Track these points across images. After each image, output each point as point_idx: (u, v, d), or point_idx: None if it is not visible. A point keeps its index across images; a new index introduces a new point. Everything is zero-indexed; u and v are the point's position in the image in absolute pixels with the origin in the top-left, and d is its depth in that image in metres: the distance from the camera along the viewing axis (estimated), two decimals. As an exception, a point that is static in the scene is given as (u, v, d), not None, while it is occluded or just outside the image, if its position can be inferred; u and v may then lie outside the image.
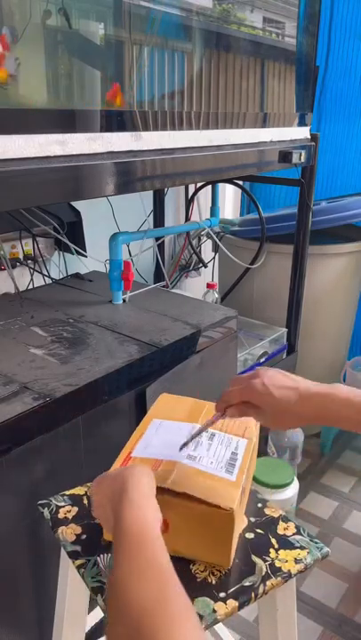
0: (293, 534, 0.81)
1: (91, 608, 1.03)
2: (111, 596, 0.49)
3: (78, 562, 0.76)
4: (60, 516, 0.85)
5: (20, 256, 1.58)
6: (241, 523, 0.81)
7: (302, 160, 1.55)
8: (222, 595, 0.71)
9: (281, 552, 0.78)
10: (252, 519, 0.84)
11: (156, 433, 0.86)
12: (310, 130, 1.68)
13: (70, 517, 0.84)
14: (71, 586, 0.88)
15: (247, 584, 0.73)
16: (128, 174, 1.03)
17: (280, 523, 0.83)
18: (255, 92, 1.40)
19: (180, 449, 0.80)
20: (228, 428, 0.88)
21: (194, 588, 0.72)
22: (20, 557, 1.02)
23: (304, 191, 1.69)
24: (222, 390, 0.76)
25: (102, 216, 1.71)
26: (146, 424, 0.88)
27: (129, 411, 1.15)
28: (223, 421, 0.87)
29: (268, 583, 0.73)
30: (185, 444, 0.80)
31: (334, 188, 2.21)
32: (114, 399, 1.10)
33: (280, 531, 0.82)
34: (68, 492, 0.90)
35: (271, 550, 0.78)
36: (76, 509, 0.86)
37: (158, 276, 2.08)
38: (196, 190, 2.00)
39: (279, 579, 0.74)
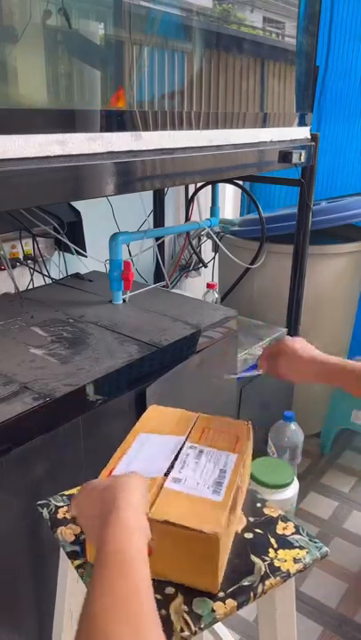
0: (292, 534, 0.81)
1: (90, 608, 1.03)
2: (88, 626, 0.46)
3: (77, 562, 0.76)
4: (60, 516, 0.85)
5: (20, 256, 1.58)
6: (228, 545, 0.78)
7: (302, 160, 1.55)
8: (221, 594, 0.71)
9: (280, 552, 0.78)
10: (251, 519, 0.84)
11: (140, 448, 0.84)
12: (310, 130, 1.68)
13: (69, 517, 0.84)
14: (71, 586, 0.88)
15: (246, 584, 0.73)
16: (128, 174, 1.03)
17: (279, 522, 0.83)
18: (255, 92, 1.40)
19: None
20: (218, 442, 0.86)
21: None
22: (20, 557, 1.02)
23: (304, 191, 1.69)
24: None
25: (102, 216, 1.71)
26: (132, 438, 0.86)
27: (129, 411, 1.15)
28: (211, 436, 0.87)
29: (267, 583, 0.73)
30: None
31: (334, 188, 2.21)
32: (114, 399, 1.10)
33: (279, 530, 0.82)
34: (67, 493, 0.90)
35: (270, 550, 0.78)
36: (75, 509, 0.85)
37: (158, 276, 2.08)
38: (196, 190, 2.00)
39: (278, 578, 0.74)
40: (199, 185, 1.99)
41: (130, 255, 1.63)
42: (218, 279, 2.19)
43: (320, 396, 2.17)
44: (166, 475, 0.78)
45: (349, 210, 1.89)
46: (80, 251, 1.62)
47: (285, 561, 0.76)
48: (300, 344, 1.00)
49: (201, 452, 0.84)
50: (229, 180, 1.81)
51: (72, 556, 0.78)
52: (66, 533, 0.81)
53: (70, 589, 0.88)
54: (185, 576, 0.73)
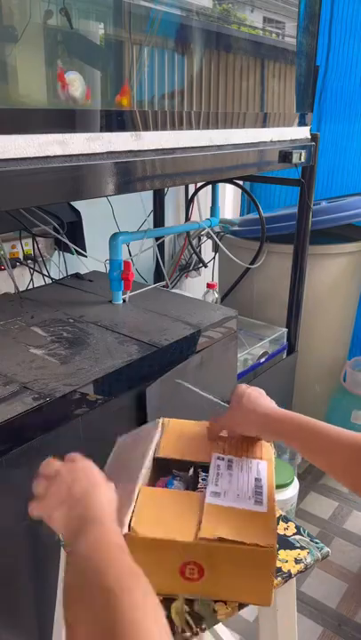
0: (293, 534, 0.81)
1: (91, 608, 1.03)
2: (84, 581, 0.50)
3: (78, 562, 0.76)
4: (60, 516, 0.84)
5: (20, 256, 1.58)
6: None
7: (302, 160, 1.55)
8: (222, 595, 0.71)
9: (281, 552, 0.78)
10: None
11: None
12: (310, 130, 1.68)
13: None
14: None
15: (247, 584, 0.72)
16: (128, 174, 1.03)
17: (280, 523, 0.83)
18: (255, 92, 1.40)
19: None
20: (242, 450, 0.85)
21: (194, 588, 0.72)
22: (20, 557, 1.02)
23: (304, 191, 1.69)
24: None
25: (102, 216, 1.71)
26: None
27: (129, 411, 1.14)
28: (234, 443, 0.86)
29: (268, 583, 0.73)
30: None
31: (334, 188, 2.21)
32: (114, 399, 1.10)
33: (280, 531, 0.82)
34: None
35: (271, 550, 0.78)
36: (75, 509, 0.85)
37: (158, 275, 2.08)
38: (196, 190, 2.00)
39: (279, 579, 0.74)
40: (199, 185, 1.99)
41: (130, 255, 1.63)
42: (218, 279, 2.19)
43: (320, 396, 2.17)
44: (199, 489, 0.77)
45: (349, 210, 1.89)
46: (80, 251, 1.62)
47: (286, 561, 0.76)
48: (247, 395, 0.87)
49: (230, 461, 0.82)
50: (229, 180, 1.81)
51: (72, 556, 0.77)
52: (66, 534, 0.81)
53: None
54: (238, 593, 0.71)
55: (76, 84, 0.95)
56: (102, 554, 0.53)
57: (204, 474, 0.80)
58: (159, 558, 0.68)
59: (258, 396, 0.87)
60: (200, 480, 0.79)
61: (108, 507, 0.61)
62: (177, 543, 0.66)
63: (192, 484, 0.80)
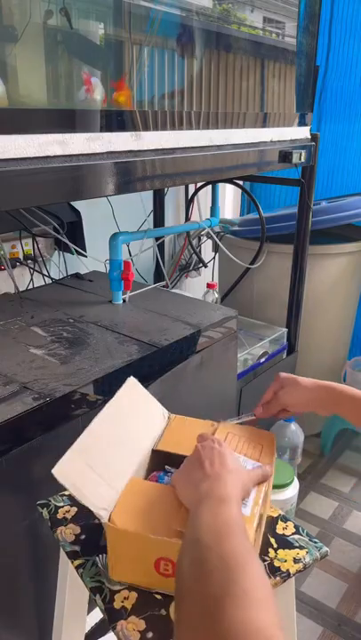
0: (292, 534, 0.81)
1: (91, 608, 1.03)
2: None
3: (77, 562, 0.76)
4: (59, 516, 0.85)
5: (20, 256, 1.58)
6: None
7: (302, 160, 1.55)
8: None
9: (280, 552, 0.78)
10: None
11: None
12: (310, 130, 1.68)
13: (69, 517, 0.84)
14: (71, 586, 0.88)
15: (247, 584, 0.73)
16: (128, 174, 1.03)
17: (279, 522, 0.83)
18: (255, 92, 1.40)
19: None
20: (241, 451, 0.85)
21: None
22: (20, 557, 1.02)
23: (304, 191, 1.69)
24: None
25: (102, 216, 1.71)
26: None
27: (129, 411, 1.14)
28: (238, 445, 0.86)
29: (268, 583, 0.73)
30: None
31: (334, 188, 2.21)
32: (114, 399, 1.10)
33: (279, 530, 0.82)
34: (67, 493, 0.90)
35: (270, 550, 0.78)
36: (75, 509, 0.85)
37: (158, 275, 2.08)
38: (196, 190, 2.00)
39: (278, 578, 0.74)
40: (199, 185, 1.99)
41: (130, 255, 1.64)
42: (218, 279, 2.19)
43: (320, 395, 2.16)
44: None
45: (349, 210, 1.89)
46: (80, 251, 1.62)
47: (285, 561, 0.76)
48: (294, 376, 0.96)
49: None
50: (229, 180, 1.81)
51: (72, 555, 0.78)
52: (66, 533, 0.81)
53: (70, 589, 0.88)
54: None
55: (97, 88, 0.98)
56: (230, 527, 0.58)
57: None
58: (136, 551, 0.69)
59: (301, 378, 0.95)
60: None
61: (239, 492, 0.68)
62: (150, 539, 0.67)
63: None
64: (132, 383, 0.89)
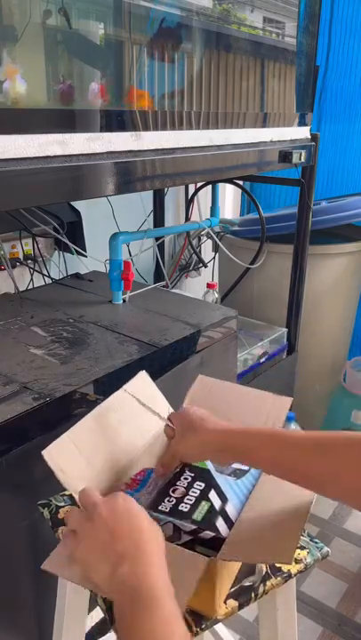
0: (293, 534, 0.81)
1: (91, 608, 1.03)
2: None
3: (78, 562, 0.76)
4: (60, 515, 0.85)
5: (20, 256, 1.58)
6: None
7: (302, 160, 1.55)
8: (222, 595, 0.71)
9: (281, 552, 0.78)
10: (252, 519, 0.84)
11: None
12: (310, 130, 1.68)
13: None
14: (71, 586, 0.88)
15: (247, 584, 0.73)
16: (128, 174, 1.03)
17: (280, 523, 0.83)
18: (255, 92, 1.40)
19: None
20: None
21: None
22: (20, 557, 1.02)
23: (304, 191, 1.69)
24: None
25: (102, 216, 1.71)
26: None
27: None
28: None
29: (268, 583, 0.73)
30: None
31: (334, 188, 2.21)
32: (114, 399, 1.10)
33: (280, 531, 0.82)
34: (67, 492, 0.90)
35: (271, 550, 0.78)
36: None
37: (158, 275, 2.08)
38: (196, 190, 2.00)
39: (279, 579, 0.74)
40: (199, 185, 1.99)
41: (130, 255, 1.63)
42: (218, 279, 2.19)
43: (320, 395, 2.17)
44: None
45: (349, 210, 1.89)
46: (80, 251, 1.62)
47: (286, 561, 0.76)
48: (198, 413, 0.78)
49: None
50: (229, 180, 1.81)
51: (72, 556, 0.77)
52: (66, 533, 0.81)
53: (71, 589, 0.88)
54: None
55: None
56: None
57: (188, 473, 0.79)
58: None
59: (208, 415, 0.76)
60: (181, 478, 0.78)
61: (161, 572, 0.52)
62: None
63: (173, 480, 0.79)
64: (142, 376, 0.89)
